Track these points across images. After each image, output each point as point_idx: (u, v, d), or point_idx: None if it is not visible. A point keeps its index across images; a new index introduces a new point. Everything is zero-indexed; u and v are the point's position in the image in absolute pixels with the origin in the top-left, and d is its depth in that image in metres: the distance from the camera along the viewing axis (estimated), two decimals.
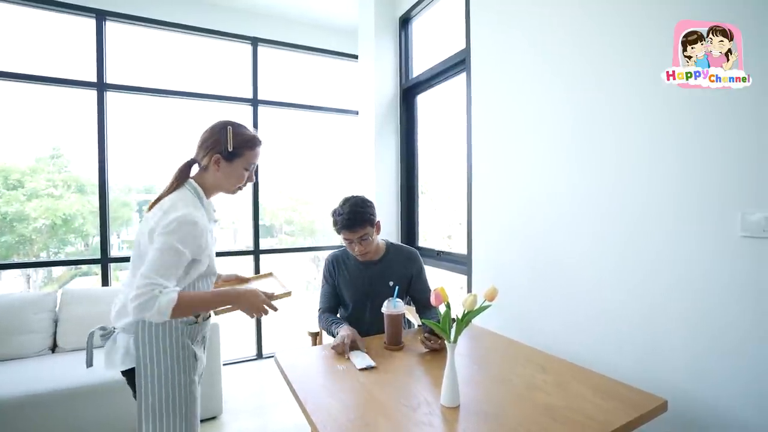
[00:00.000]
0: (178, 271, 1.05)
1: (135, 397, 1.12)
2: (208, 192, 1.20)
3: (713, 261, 1.14)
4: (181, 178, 1.17)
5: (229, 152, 1.16)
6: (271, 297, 1.23)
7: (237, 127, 1.19)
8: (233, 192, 1.25)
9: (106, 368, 1.12)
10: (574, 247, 1.56)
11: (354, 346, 1.41)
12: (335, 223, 1.62)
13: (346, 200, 1.62)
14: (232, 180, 1.20)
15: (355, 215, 1.56)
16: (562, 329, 1.61)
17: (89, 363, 1.13)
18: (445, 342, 1.06)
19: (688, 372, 1.20)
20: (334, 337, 1.54)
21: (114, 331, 1.14)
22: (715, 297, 1.14)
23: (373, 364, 1.30)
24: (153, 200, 1.15)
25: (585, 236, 1.51)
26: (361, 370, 1.27)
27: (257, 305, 1.16)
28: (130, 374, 1.12)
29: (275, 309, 1.22)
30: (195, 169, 1.22)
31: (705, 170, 1.15)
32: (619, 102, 1.38)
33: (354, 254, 1.66)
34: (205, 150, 1.17)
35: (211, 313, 1.20)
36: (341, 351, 1.39)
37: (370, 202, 1.64)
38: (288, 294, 1.31)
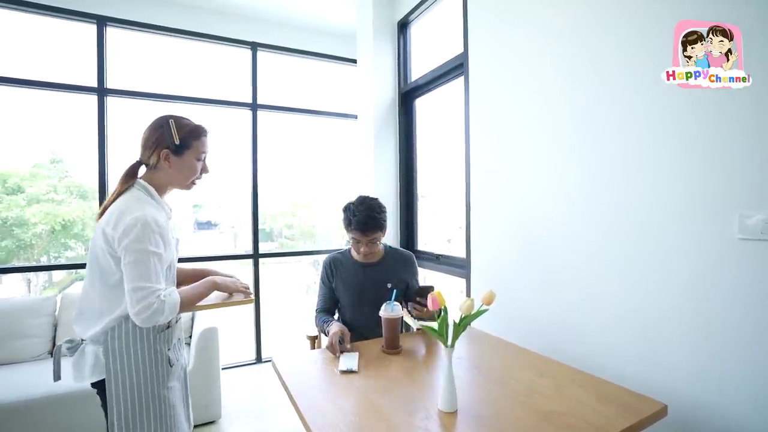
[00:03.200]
0: (163, 271, 1.08)
1: (103, 408, 1.09)
2: (161, 190, 1.17)
3: (711, 264, 1.13)
4: (128, 180, 1.13)
5: (176, 145, 1.13)
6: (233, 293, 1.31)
7: (179, 119, 1.16)
8: (188, 187, 1.21)
9: (75, 381, 1.10)
10: (573, 251, 1.55)
11: (343, 341, 1.45)
12: (348, 221, 1.62)
13: (363, 201, 1.63)
14: (186, 173, 1.17)
15: (371, 219, 1.58)
16: (562, 333, 1.60)
17: (57, 376, 1.12)
18: (443, 346, 1.06)
19: (688, 376, 1.19)
20: (326, 335, 1.59)
21: (81, 343, 1.11)
22: (713, 300, 1.13)
23: (355, 368, 1.29)
24: (101, 208, 1.12)
25: (584, 239, 1.51)
26: (342, 372, 1.27)
27: (236, 288, 1.28)
28: (100, 385, 1.09)
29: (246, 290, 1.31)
30: (142, 171, 1.18)
31: (703, 171, 1.15)
32: (620, 103, 1.37)
33: (358, 254, 1.68)
34: (151, 148, 1.13)
35: (181, 315, 1.23)
36: (334, 352, 1.40)
37: (384, 208, 1.67)
38: (250, 301, 1.34)
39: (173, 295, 1.08)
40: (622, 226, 1.37)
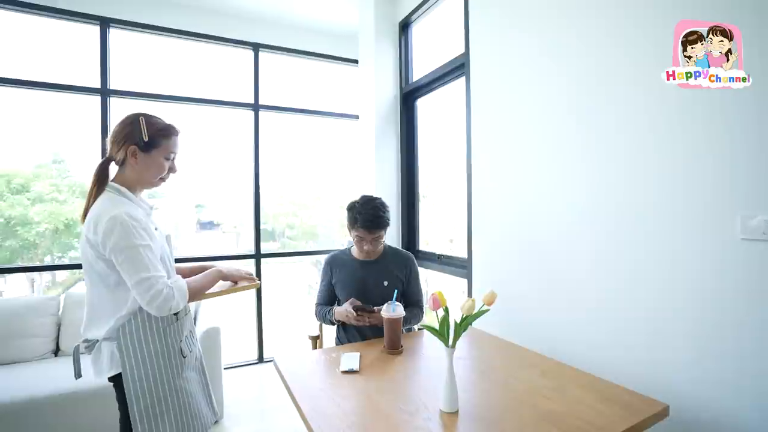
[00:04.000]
0: (157, 261, 1.09)
1: (119, 401, 1.12)
2: (133, 189, 1.17)
3: (714, 264, 1.13)
4: (101, 181, 1.14)
5: (145, 142, 1.13)
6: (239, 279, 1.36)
7: (150, 117, 1.16)
8: (156, 184, 1.21)
9: (95, 376, 1.13)
10: (575, 251, 1.55)
11: (362, 308, 1.58)
12: (353, 219, 1.66)
13: (369, 200, 1.68)
14: (153, 171, 1.17)
15: (377, 218, 1.63)
16: (563, 333, 1.60)
17: (77, 374, 1.15)
18: (444, 346, 1.06)
19: (690, 377, 1.19)
20: (332, 323, 1.74)
21: (97, 342, 1.13)
22: (716, 301, 1.13)
23: (356, 368, 1.30)
24: (83, 210, 1.13)
25: (586, 240, 1.51)
26: (343, 372, 1.28)
27: (239, 274, 1.35)
28: (117, 379, 1.12)
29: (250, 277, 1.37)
30: (114, 170, 1.19)
31: (705, 172, 1.15)
32: (622, 105, 1.37)
33: (362, 252, 1.72)
34: (119, 144, 1.13)
35: (189, 306, 1.27)
36: (359, 320, 1.57)
37: (387, 207, 1.72)
38: (257, 283, 1.39)
39: (180, 281, 1.12)
40: (624, 227, 1.37)
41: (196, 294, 1.18)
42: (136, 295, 1.05)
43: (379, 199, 1.71)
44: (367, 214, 1.62)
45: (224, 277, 1.30)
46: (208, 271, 1.27)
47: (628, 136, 1.35)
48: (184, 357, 1.20)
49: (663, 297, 1.26)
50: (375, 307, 1.60)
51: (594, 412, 1.03)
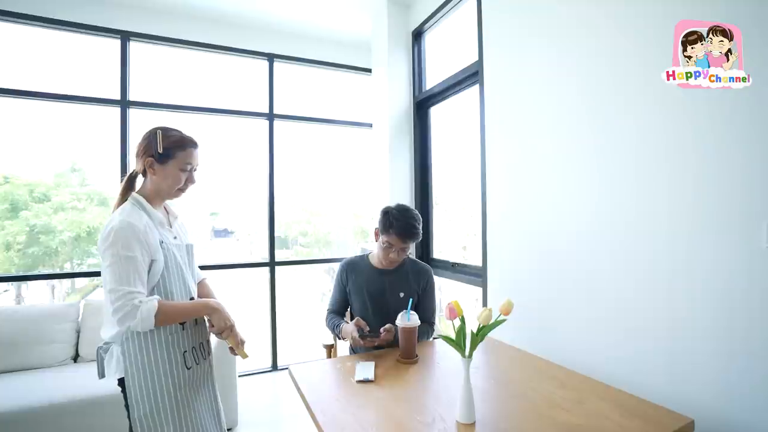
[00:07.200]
0: (141, 276, 1.09)
1: (126, 407, 1.13)
2: (152, 199, 1.21)
3: (739, 274, 1.10)
4: (125, 192, 1.20)
5: (160, 154, 1.17)
6: (235, 339, 1.27)
7: (167, 131, 1.20)
8: (175, 195, 1.24)
9: (107, 378, 1.16)
10: (593, 259, 1.52)
11: (363, 332, 1.53)
12: (388, 224, 1.61)
13: (406, 209, 1.65)
14: (168, 182, 1.20)
15: (413, 228, 1.61)
16: (582, 343, 1.57)
17: (101, 374, 1.18)
18: (460, 357, 1.05)
19: (716, 390, 1.15)
20: (338, 336, 1.70)
21: (110, 344, 1.16)
22: (742, 311, 1.09)
23: (371, 378, 1.29)
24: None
25: (603, 248, 1.48)
26: (358, 382, 1.27)
27: (226, 324, 1.23)
28: (122, 383, 1.14)
29: (230, 337, 1.26)
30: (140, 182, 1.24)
31: (730, 180, 1.12)
32: (639, 111, 1.35)
33: (386, 260, 1.68)
34: (139, 156, 1.19)
35: (206, 319, 1.25)
36: (367, 344, 1.53)
37: (421, 220, 1.69)
38: (245, 356, 1.33)
39: (150, 302, 1.06)
40: (644, 234, 1.34)
41: (169, 319, 1.12)
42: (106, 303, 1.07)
43: (415, 210, 1.68)
44: (403, 223, 1.59)
45: (211, 317, 1.22)
46: (198, 301, 1.23)
47: (646, 141, 1.33)
48: (188, 368, 1.19)
49: (687, 307, 1.22)
50: (382, 329, 1.55)
51: (615, 425, 1.00)
